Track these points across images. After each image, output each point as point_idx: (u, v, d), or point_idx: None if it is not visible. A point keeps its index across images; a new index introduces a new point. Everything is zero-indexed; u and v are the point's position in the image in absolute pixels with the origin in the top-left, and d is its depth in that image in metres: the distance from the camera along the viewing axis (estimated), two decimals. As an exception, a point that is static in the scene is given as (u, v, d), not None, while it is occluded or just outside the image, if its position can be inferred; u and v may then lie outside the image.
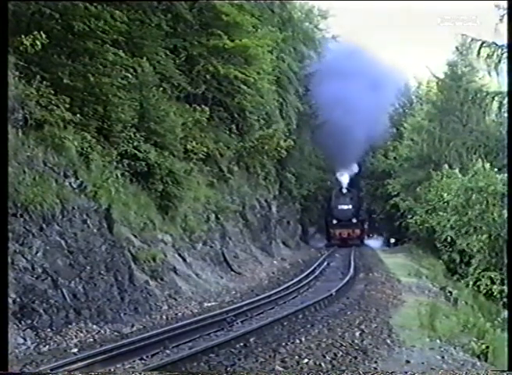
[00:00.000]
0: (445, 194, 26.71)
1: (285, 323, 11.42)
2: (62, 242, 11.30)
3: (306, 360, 8.57)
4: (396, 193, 39.48)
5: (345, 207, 42.72)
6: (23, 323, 9.59)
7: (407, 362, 8.90)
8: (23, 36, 12.34)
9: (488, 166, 22.22)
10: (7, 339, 7.49)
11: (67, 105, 13.36)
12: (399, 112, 48.19)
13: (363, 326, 11.12)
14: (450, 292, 18.36)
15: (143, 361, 8.79)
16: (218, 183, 22.57)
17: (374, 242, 46.45)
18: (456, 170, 26.16)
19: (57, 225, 11.38)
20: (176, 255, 16.47)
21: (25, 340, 9.35)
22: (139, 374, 8.05)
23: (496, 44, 18.95)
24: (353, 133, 39.99)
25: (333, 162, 45.17)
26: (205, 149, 20.86)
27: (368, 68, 40.72)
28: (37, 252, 10.57)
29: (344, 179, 46.88)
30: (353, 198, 43.82)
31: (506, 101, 18.91)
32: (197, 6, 22.08)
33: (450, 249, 26.59)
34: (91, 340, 10.09)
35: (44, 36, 12.54)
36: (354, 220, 42.37)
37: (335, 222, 42.36)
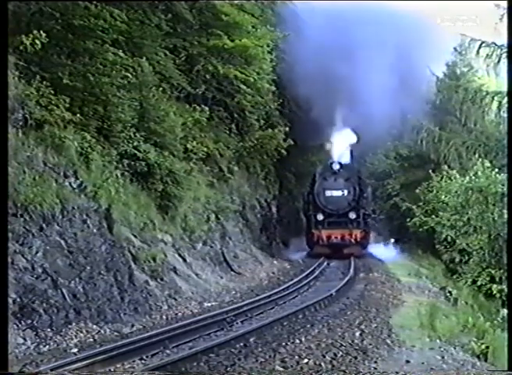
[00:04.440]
0: (443, 197, 26.74)
1: (285, 323, 11.42)
2: (62, 242, 11.30)
3: (306, 360, 8.58)
4: (395, 193, 39.37)
5: (337, 193, 27.86)
6: (23, 323, 9.58)
7: (407, 362, 8.92)
8: (23, 36, 12.34)
9: (487, 165, 22.25)
10: (7, 339, 7.50)
11: (67, 105, 13.37)
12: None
13: (363, 326, 11.14)
14: (450, 292, 18.39)
15: (143, 361, 8.80)
16: (218, 183, 22.57)
17: (383, 250, 31.09)
18: (455, 171, 26.24)
19: (57, 225, 11.38)
20: (176, 255, 16.47)
21: (25, 340, 9.35)
22: (139, 374, 8.05)
23: (496, 44, 18.97)
24: (352, 84, 27.34)
25: (323, 124, 29.46)
26: (205, 149, 20.87)
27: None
28: (37, 252, 10.57)
29: (336, 148, 30.33)
30: (350, 179, 28.13)
31: (505, 100, 18.95)
32: (197, 6, 22.09)
33: (450, 249, 26.61)
34: (91, 340, 10.09)
35: (43, 35, 12.55)
36: (352, 215, 27.28)
37: (320, 217, 27.26)
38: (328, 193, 27.96)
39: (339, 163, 28.74)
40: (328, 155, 30.92)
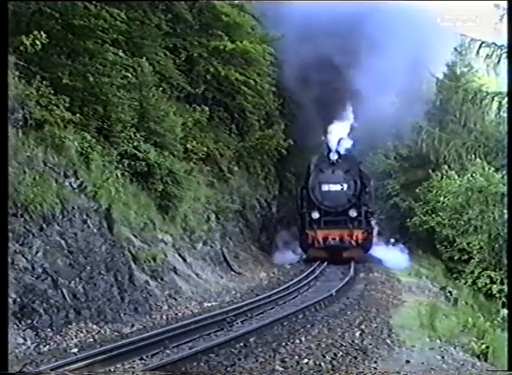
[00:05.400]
0: (442, 197, 26.78)
1: (285, 323, 11.42)
2: (62, 242, 11.30)
3: (306, 360, 8.58)
4: (395, 193, 39.35)
5: (336, 187, 24.43)
6: (23, 323, 9.59)
7: (407, 362, 8.92)
8: (23, 36, 12.35)
9: (487, 165, 22.29)
10: (7, 339, 7.50)
11: (67, 105, 13.39)
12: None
13: (363, 326, 11.14)
14: (450, 292, 18.41)
15: (143, 361, 8.79)
16: (218, 183, 22.57)
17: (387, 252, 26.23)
18: (454, 172, 26.29)
19: (57, 225, 11.39)
20: (176, 255, 16.47)
21: (25, 340, 9.35)
22: (139, 374, 8.05)
23: (496, 45, 18.97)
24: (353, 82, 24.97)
25: (320, 110, 25.84)
26: (205, 149, 20.88)
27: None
28: (37, 252, 10.57)
29: (334, 136, 26.11)
30: (350, 172, 24.70)
31: (505, 101, 18.94)
32: (197, 6, 22.12)
33: (450, 249, 26.63)
34: (91, 340, 10.09)
35: (44, 36, 12.56)
36: (353, 213, 23.89)
37: (316, 216, 23.94)
38: (324, 187, 24.44)
39: (338, 153, 25.04)
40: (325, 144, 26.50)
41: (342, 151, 25.77)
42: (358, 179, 24.79)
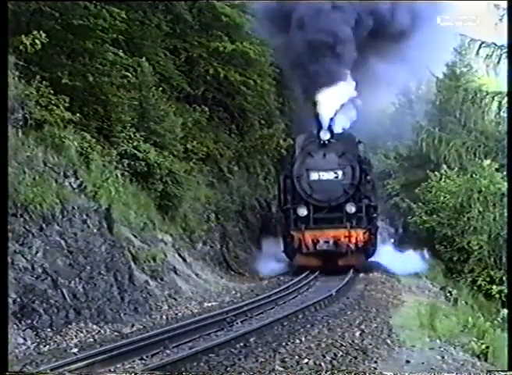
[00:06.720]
0: (442, 197, 26.80)
1: (285, 323, 11.40)
2: (62, 242, 11.30)
3: (306, 360, 8.57)
4: (395, 193, 39.34)
5: (328, 176, 19.52)
6: (23, 323, 9.58)
7: (407, 362, 8.90)
8: (23, 36, 12.37)
9: (487, 165, 22.31)
10: (7, 339, 7.51)
11: (67, 105, 13.40)
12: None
13: (363, 326, 11.13)
14: (450, 292, 18.41)
15: (143, 361, 8.78)
16: (218, 183, 22.59)
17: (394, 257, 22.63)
18: (454, 172, 26.32)
19: (57, 225, 11.39)
20: (176, 255, 16.48)
21: (25, 340, 9.34)
22: (139, 374, 8.04)
23: (496, 45, 18.97)
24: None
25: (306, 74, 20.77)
26: (205, 149, 20.90)
27: None
28: (37, 252, 10.57)
29: (326, 108, 20.16)
30: (346, 155, 19.67)
31: (505, 101, 18.95)
32: (197, 7, 22.14)
33: (450, 248, 26.65)
34: (91, 340, 10.08)
35: (43, 35, 12.57)
36: (351, 208, 19.23)
37: (303, 212, 19.26)
38: (313, 175, 19.46)
39: (330, 131, 19.77)
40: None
41: (336, 129, 20.61)
42: (357, 164, 19.71)
